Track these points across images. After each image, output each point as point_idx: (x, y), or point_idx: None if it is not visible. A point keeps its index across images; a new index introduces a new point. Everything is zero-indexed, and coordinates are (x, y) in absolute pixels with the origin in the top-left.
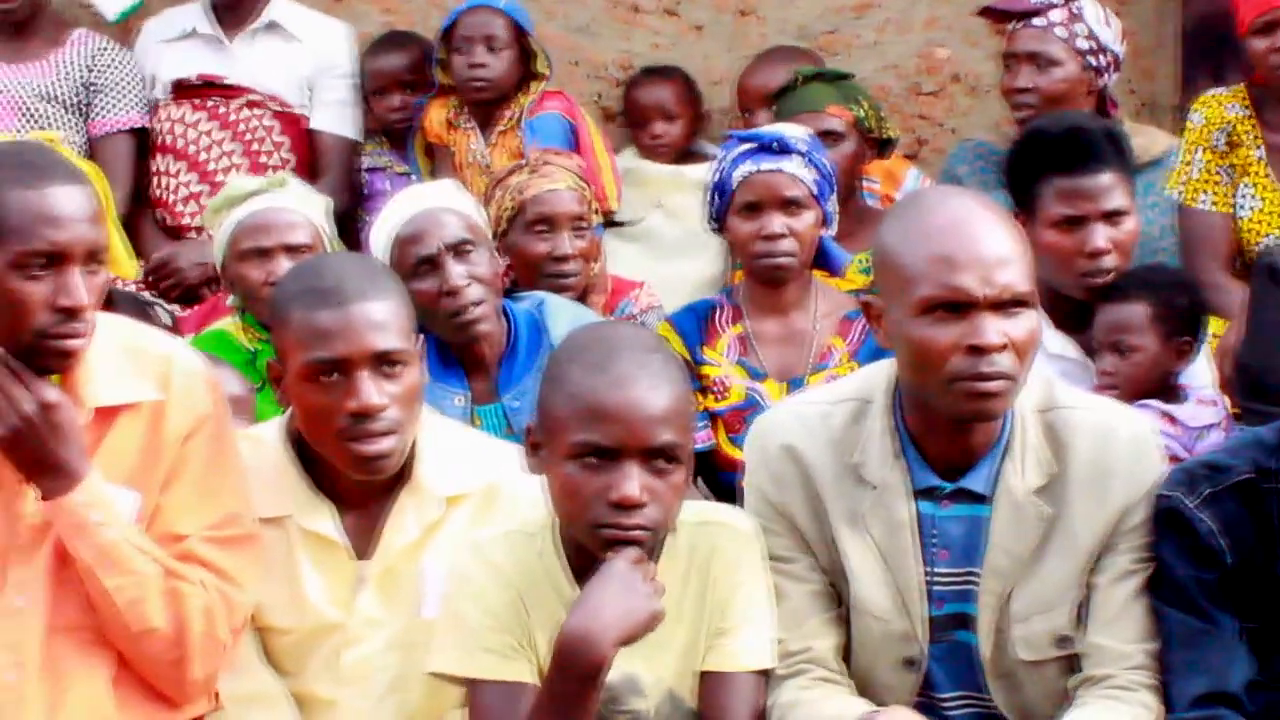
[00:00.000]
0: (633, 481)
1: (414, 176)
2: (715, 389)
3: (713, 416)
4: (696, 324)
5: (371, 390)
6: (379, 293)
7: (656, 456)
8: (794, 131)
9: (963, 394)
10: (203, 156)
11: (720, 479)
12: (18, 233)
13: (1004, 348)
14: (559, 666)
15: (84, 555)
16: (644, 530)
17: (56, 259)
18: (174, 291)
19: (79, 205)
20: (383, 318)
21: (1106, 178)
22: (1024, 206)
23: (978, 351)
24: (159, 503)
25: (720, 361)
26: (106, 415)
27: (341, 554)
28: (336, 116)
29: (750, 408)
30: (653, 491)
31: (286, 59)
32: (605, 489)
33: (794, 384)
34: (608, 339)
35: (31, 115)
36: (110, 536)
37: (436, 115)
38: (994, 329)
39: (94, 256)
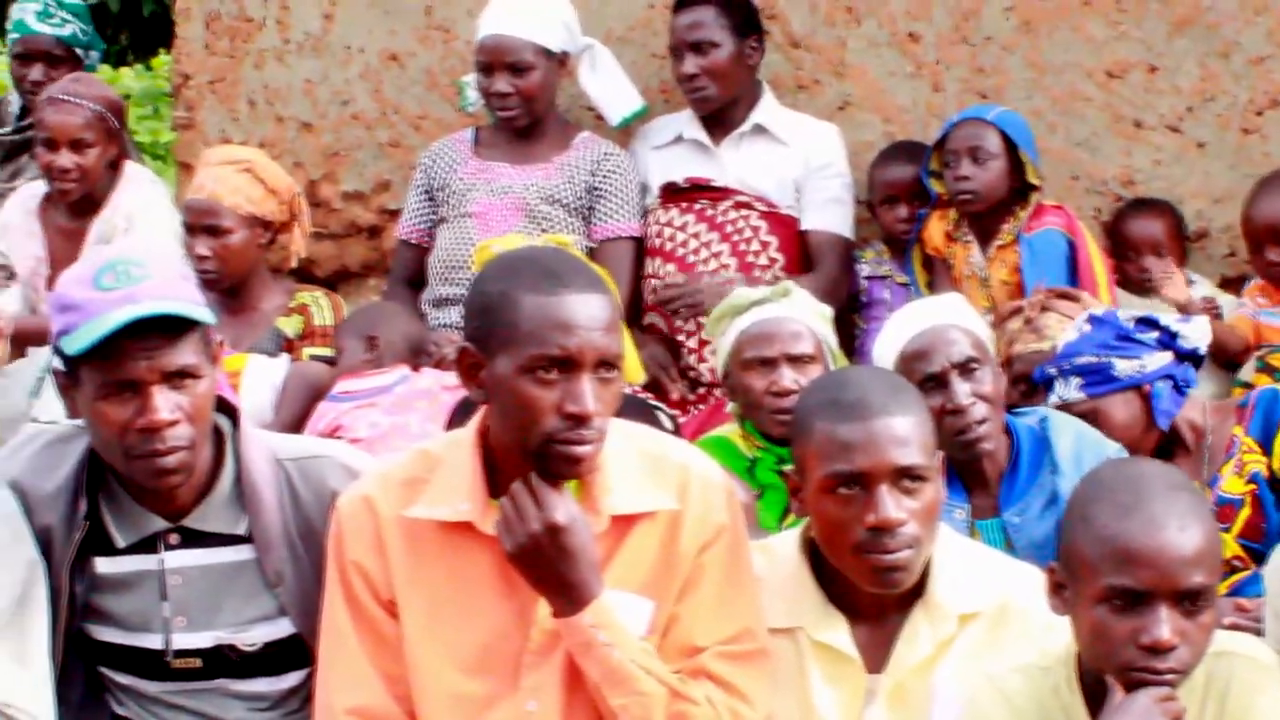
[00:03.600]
0: (1165, 625)
1: (913, 287)
2: None
3: None
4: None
5: (891, 505)
6: (902, 408)
7: (1187, 599)
8: None
9: None
10: (691, 259)
11: None
12: (531, 337)
13: None
14: None
15: (591, 673)
16: (1175, 673)
17: (567, 365)
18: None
19: (594, 313)
20: (905, 433)
21: None
22: None
23: None
24: (675, 612)
25: None
26: (624, 523)
27: (854, 667)
28: (828, 214)
29: None
30: (1184, 634)
31: (774, 161)
32: (1136, 632)
33: None
34: (1135, 478)
35: (535, 217)
36: (617, 657)
37: (936, 227)
38: None
39: (607, 364)
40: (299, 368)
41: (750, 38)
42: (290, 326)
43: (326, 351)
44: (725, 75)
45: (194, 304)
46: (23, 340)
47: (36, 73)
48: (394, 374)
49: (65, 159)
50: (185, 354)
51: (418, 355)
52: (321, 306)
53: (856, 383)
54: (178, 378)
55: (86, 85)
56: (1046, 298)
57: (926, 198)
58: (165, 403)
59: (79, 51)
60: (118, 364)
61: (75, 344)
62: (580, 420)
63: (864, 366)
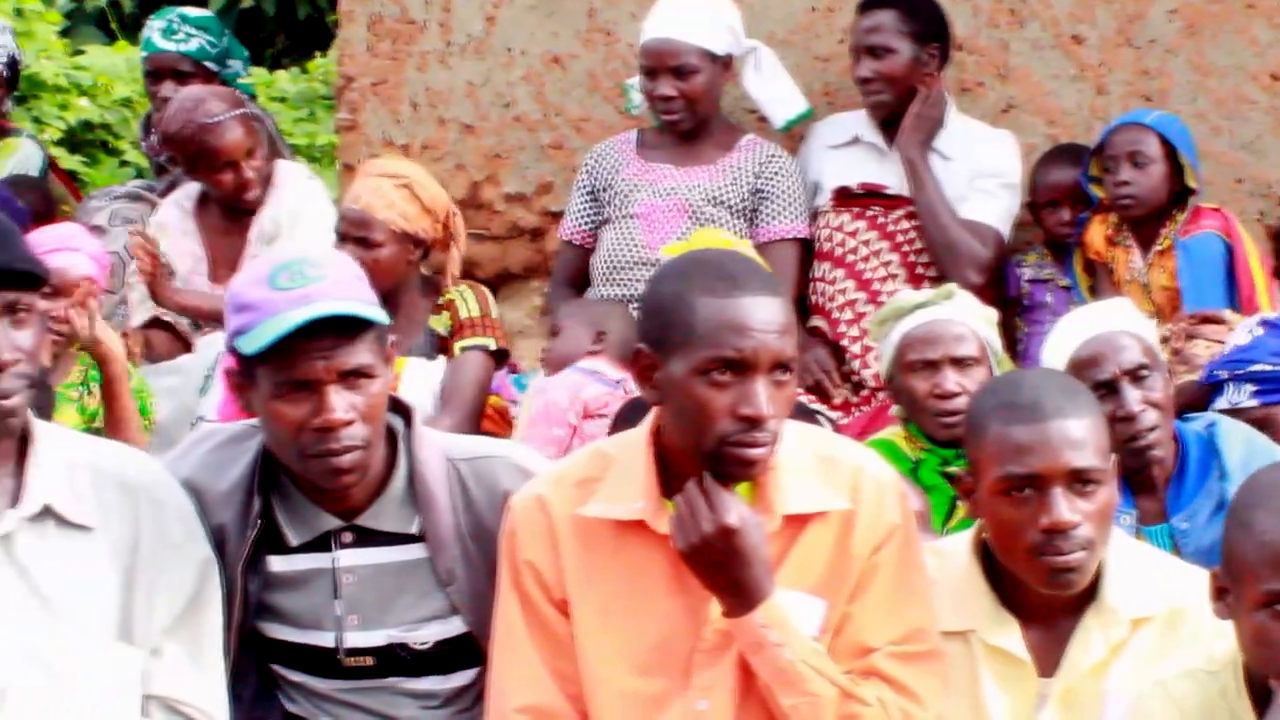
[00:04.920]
0: None
1: (1075, 291)
2: None
3: None
4: None
5: (1065, 508)
6: (1077, 410)
7: None
8: None
9: None
10: (860, 265)
11: None
12: (705, 339)
13: None
14: None
15: (762, 672)
16: None
17: (742, 367)
18: None
19: (769, 315)
20: (1080, 435)
21: None
22: None
23: None
24: (848, 612)
25: None
26: (796, 523)
27: (1026, 671)
28: (979, 206)
29: None
30: None
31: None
32: None
33: None
34: None
35: (699, 217)
36: (787, 657)
37: (1097, 231)
38: None
39: (781, 367)
40: (457, 364)
41: (930, 45)
42: (440, 325)
43: (480, 340)
44: (900, 81)
45: (369, 304)
46: (200, 316)
47: (167, 90)
48: (620, 372)
49: (249, 170)
50: (360, 354)
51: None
52: (466, 299)
53: (1031, 385)
54: (353, 377)
55: (216, 100)
56: (1190, 324)
57: (1088, 201)
58: (340, 402)
59: (210, 65)
60: (294, 363)
61: (252, 343)
62: (754, 423)
63: (1039, 368)
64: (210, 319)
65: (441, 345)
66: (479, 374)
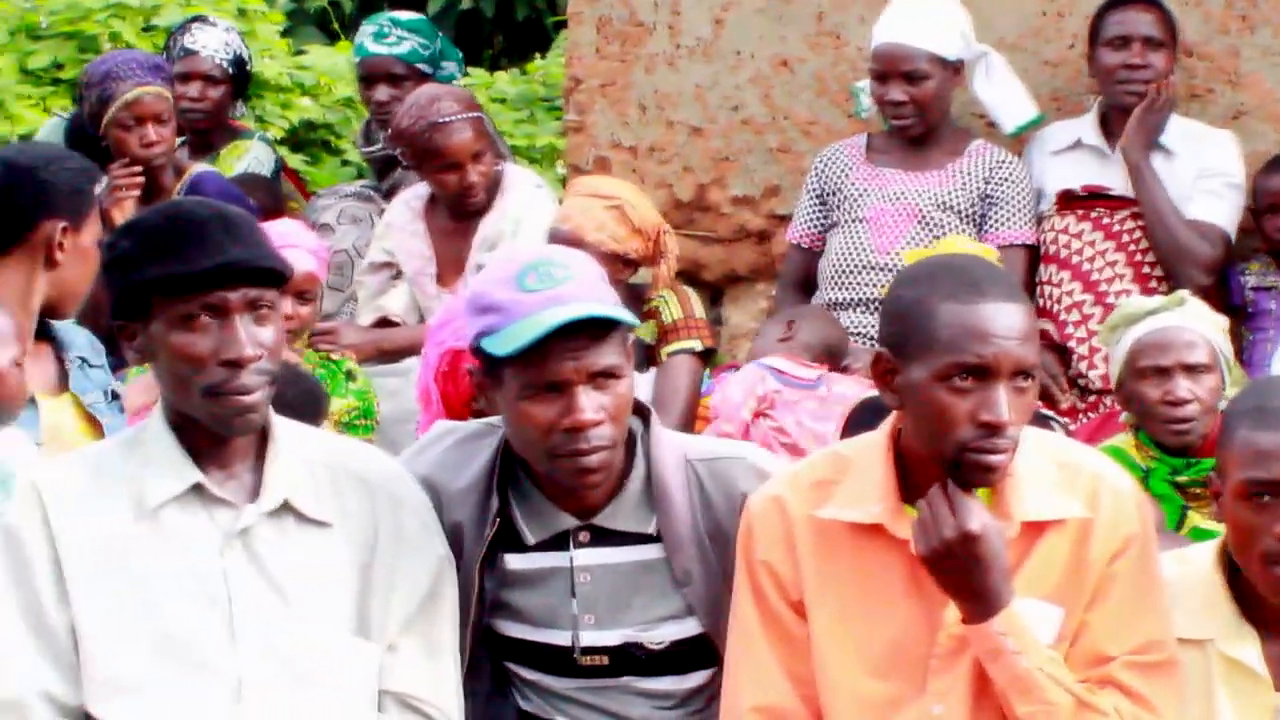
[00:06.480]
0: None
1: None
2: None
3: None
4: None
5: None
6: None
7: None
8: None
9: None
10: (1086, 267)
11: None
12: (947, 345)
13: None
14: None
15: (998, 679)
16: None
17: (984, 373)
18: None
19: (1011, 322)
20: None
21: None
22: None
23: None
24: (1084, 621)
25: None
26: (1034, 530)
27: (1263, 686)
28: (1205, 206)
29: None
30: None
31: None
32: None
33: None
34: None
35: (928, 223)
36: (1024, 665)
37: None
38: None
39: (1022, 374)
40: (665, 370)
41: (1175, 51)
42: (646, 333)
43: (685, 343)
44: (1163, 76)
45: (616, 305)
46: (393, 354)
47: (381, 94)
48: (814, 371)
49: (474, 174)
50: (608, 354)
51: (830, 359)
52: (669, 303)
53: None
54: (601, 378)
55: (451, 100)
56: None
57: None
58: (590, 403)
59: (422, 67)
60: (544, 365)
61: (504, 345)
62: (995, 429)
63: None
64: (407, 353)
65: (649, 353)
66: (688, 377)
